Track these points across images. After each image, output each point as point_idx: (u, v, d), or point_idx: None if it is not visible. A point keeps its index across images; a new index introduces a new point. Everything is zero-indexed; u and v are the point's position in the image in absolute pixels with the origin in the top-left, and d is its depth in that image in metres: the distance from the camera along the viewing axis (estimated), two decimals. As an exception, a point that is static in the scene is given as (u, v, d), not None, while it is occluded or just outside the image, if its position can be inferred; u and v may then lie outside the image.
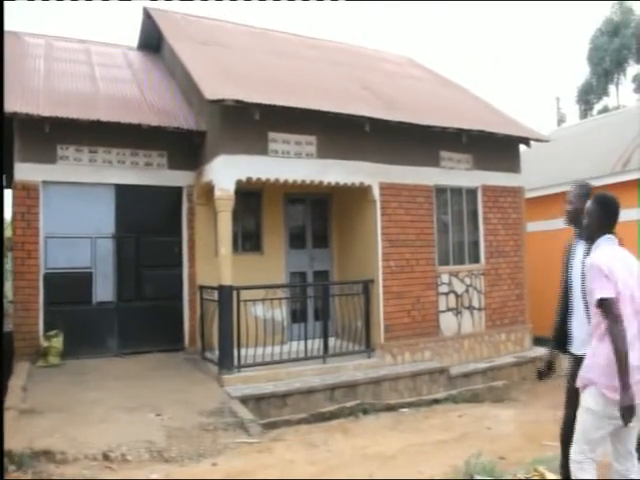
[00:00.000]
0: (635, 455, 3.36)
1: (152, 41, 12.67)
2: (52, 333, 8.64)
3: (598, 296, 3.23)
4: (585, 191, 4.08)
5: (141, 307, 9.60)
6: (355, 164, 9.55)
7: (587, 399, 3.30)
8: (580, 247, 4.01)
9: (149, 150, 9.63)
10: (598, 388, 3.23)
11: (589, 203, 3.58)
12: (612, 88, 33.27)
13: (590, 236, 3.56)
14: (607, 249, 3.45)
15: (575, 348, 3.92)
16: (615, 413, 3.17)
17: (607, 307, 3.21)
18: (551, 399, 9.27)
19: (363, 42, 36.81)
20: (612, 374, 3.18)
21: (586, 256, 3.86)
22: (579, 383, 3.38)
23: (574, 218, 4.07)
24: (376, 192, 9.76)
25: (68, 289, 9.02)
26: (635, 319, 3.31)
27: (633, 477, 3.35)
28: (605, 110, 30.45)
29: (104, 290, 9.41)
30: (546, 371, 4.19)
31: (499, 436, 7.03)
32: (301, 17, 63.09)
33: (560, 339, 4.07)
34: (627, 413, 3.10)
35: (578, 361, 3.73)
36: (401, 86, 12.57)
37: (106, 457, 5.75)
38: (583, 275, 3.85)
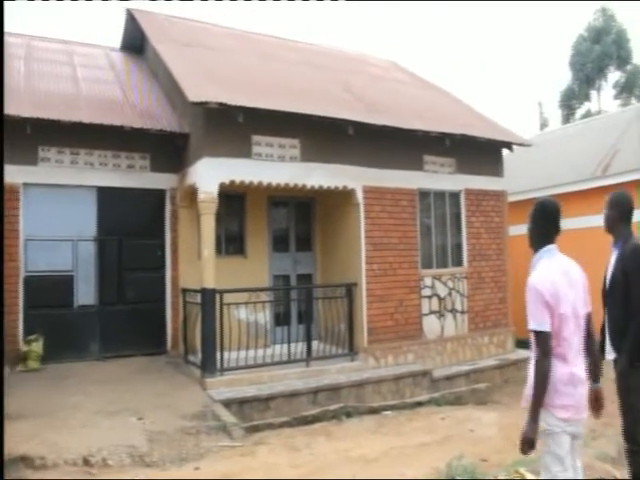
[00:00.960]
0: (579, 465, 3.30)
1: (135, 42, 12.60)
2: (32, 337, 8.55)
3: (532, 327, 3.15)
4: (612, 198, 4.15)
5: (123, 310, 9.52)
6: (338, 167, 9.56)
7: (540, 422, 3.16)
8: (612, 256, 4.12)
9: (131, 152, 9.58)
10: (547, 408, 3.13)
11: (531, 208, 3.48)
12: (594, 93, 33.63)
13: (531, 244, 3.43)
14: (549, 263, 3.28)
15: (606, 353, 4.08)
16: (568, 429, 3.16)
17: (539, 340, 3.13)
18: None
19: (347, 45, 36.90)
20: (557, 392, 3.13)
21: (616, 265, 4.05)
22: (524, 404, 3.23)
23: (605, 225, 4.17)
24: (359, 195, 9.78)
25: (49, 292, 8.93)
26: (577, 334, 3.25)
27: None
28: (587, 115, 30.75)
29: (86, 293, 9.32)
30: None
31: (481, 438, 7.06)
32: (287, 19, 63.13)
33: (602, 344, 4.18)
34: (526, 445, 3.10)
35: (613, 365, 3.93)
36: (384, 90, 12.62)
37: (86, 462, 5.70)
38: (611, 285, 4.04)
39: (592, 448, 5.38)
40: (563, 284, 3.21)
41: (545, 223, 3.36)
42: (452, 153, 10.93)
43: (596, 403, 3.35)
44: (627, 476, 4.12)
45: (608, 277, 4.12)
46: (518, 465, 4.96)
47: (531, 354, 3.28)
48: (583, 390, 3.22)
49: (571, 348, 3.21)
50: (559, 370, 3.15)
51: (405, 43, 63.81)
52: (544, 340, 3.12)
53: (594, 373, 3.36)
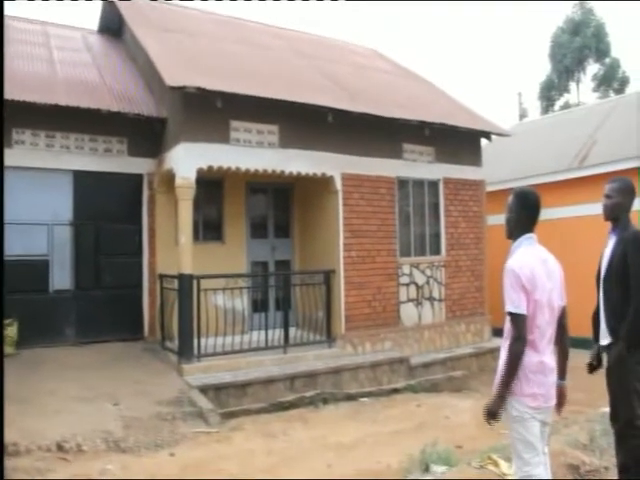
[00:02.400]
0: (546, 453, 3.32)
1: (113, 25, 12.41)
2: (6, 322, 8.43)
3: (509, 309, 3.17)
4: (623, 185, 4.08)
5: (100, 296, 9.43)
6: (317, 154, 9.54)
7: (509, 409, 3.19)
8: (610, 241, 4.08)
9: (108, 136, 9.46)
10: (517, 396, 3.16)
11: (509, 197, 3.46)
12: (573, 85, 33.82)
13: (510, 233, 3.42)
14: (527, 250, 3.29)
15: (600, 338, 4.06)
16: (538, 416, 3.18)
17: (515, 323, 3.15)
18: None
19: (330, 32, 36.72)
20: (527, 380, 3.15)
21: (614, 250, 4.01)
22: (495, 389, 3.24)
23: (611, 212, 4.09)
24: (338, 183, 9.77)
25: (24, 276, 8.77)
26: (551, 325, 3.26)
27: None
28: (566, 106, 30.95)
29: (61, 278, 9.22)
30: (596, 364, 4.17)
31: (457, 425, 7.12)
32: (274, 8, 62.60)
33: (596, 330, 4.18)
34: (489, 416, 3.17)
35: (606, 350, 3.95)
36: (366, 78, 12.59)
37: (60, 448, 5.67)
38: (608, 269, 4.01)
39: (564, 435, 5.44)
40: (541, 272, 3.22)
41: (526, 212, 3.35)
42: (431, 142, 10.96)
43: (559, 400, 3.37)
44: (617, 461, 4.14)
45: (605, 262, 4.08)
46: (492, 452, 5.01)
47: (503, 340, 3.30)
48: (552, 378, 3.24)
49: (543, 337, 3.22)
50: (529, 359, 3.16)
51: (387, 32, 63.71)
52: (520, 323, 3.14)
53: (562, 369, 3.37)
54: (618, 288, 3.94)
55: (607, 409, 5.91)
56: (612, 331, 3.96)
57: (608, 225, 4.24)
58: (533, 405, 3.17)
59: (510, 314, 3.18)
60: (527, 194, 3.42)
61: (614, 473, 4.42)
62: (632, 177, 10.95)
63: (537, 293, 3.17)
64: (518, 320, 3.14)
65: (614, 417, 4.06)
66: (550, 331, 3.26)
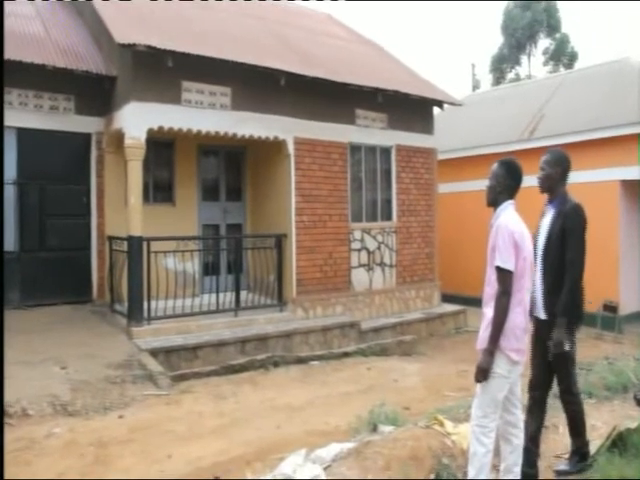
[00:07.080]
0: (520, 401, 3.52)
1: (59, -22, 11.86)
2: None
3: (499, 264, 3.30)
4: (554, 157, 4.08)
5: (46, 257, 9.20)
6: (270, 118, 9.45)
7: (492, 364, 3.30)
8: (548, 214, 4.06)
9: (55, 93, 9.11)
10: (502, 351, 3.29)
11: (495, 166, 3.56)
12: (524, 59, 34.22)
13: (494, 198, 3.53)
14: (514, 213, 3.48)
15: (536, 311, 4.04)
16: (515, 372, 3.37)
17: (503, 278, 3.30)
18: (455, 354, 9.72)
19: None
20: (515, 337, 3.31)
21: (553, 223, 3.99)
22: (480, 345, 3.36)
23: (542, 184, 4.10)
24: (290, 147, 9.73)
25: (-37, 237, 8.49)
26: (529, 284, 3.47)
27: (521, 425, 3.52)
28: (517, 79, 31.33)
29: (4, 239, 8.92)
30: None
31: (405, 388, 7.28)
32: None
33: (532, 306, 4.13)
34: (481, 375, 3.30)
35: (540, 323, 3.96)
36: (320, 43, 12.46)
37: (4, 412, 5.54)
38: (547, 242, 3.98)
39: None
40: (527, 234, 3.46)
41: (513, 181, 3.52)
42: (384, 109, 10.98)
43: None
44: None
45: (543, 236, 4.02)
46: (438, 413, 5.13)
47: (487, 300, 3.42)
48: (525, 337, 3.46)
49: (526, 296, 3.42)
50: (519, 317, 3.35)
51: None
52: (507, 279, 3.30)
53: None
54: (556, 262, 3.92)
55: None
56: (547, 306, 3.94)
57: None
58: (517, 359, 3.35)
59: (498, 269, 3.31)
60: (515, 164, 3.58)
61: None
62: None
63: (525, 251, 3.37)
64: (505, 276, 3.30)
65: (534, 386, 4.07)
66: (526, 293, 3.45)
